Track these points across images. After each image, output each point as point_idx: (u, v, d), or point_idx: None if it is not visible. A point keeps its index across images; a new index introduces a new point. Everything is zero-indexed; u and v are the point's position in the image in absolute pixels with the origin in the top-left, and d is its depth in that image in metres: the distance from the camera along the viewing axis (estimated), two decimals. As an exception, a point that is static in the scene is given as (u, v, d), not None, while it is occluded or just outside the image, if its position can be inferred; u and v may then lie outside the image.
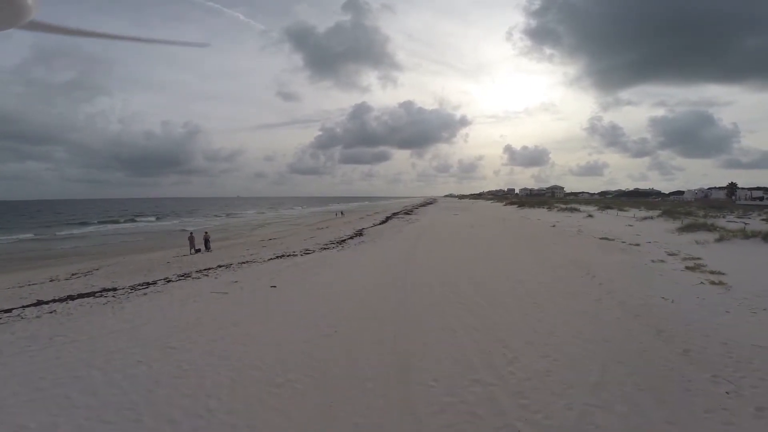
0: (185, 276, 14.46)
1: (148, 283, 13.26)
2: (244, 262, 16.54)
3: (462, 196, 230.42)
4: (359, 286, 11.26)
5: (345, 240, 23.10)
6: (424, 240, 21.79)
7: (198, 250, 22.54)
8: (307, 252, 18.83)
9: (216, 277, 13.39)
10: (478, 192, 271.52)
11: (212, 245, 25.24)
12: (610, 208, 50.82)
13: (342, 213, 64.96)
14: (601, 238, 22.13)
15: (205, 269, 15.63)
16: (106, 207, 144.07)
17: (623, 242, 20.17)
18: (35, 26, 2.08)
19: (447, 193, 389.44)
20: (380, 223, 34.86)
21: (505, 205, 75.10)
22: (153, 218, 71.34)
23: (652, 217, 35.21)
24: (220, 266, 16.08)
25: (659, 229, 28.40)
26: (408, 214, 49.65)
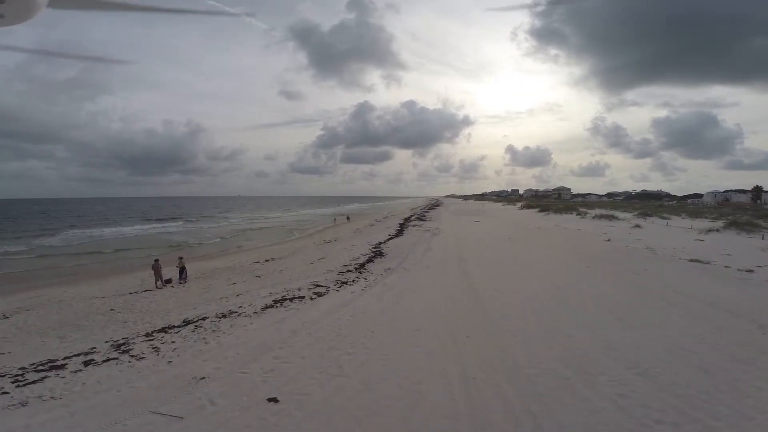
0: (121, 347, 9.14)
1: (46, 368, 7.88)
2: (224, 315, 11.17)
3: (466, 197, 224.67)
4: (428, 409, 5.85)
5: (364, 265, 17.74)
6: (470, 265, 16.45)
7: (168, 281, 17.14)
8: (317, 290, 13.49)
9: (170, 361, 7.99)
10: (480, 192, 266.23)
11: (190, 269, 19.91)
12: (648, 215, 45.70)
13: (348, 218, 59.67)
14: (690, 260, 17.22)
15: (160, 329, 10.29)
16: (107, 206, 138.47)
17: (726, 267, 15.37)
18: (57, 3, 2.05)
19: (448, 194, 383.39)
20: (396, 235, 29.50)
21: (520, 208, 69.80)
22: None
23: (717, 230, 30.17)
24: (186, 323, 10.73)
25: (744, 246, 23.27)
26: (422, 220, 44.26)
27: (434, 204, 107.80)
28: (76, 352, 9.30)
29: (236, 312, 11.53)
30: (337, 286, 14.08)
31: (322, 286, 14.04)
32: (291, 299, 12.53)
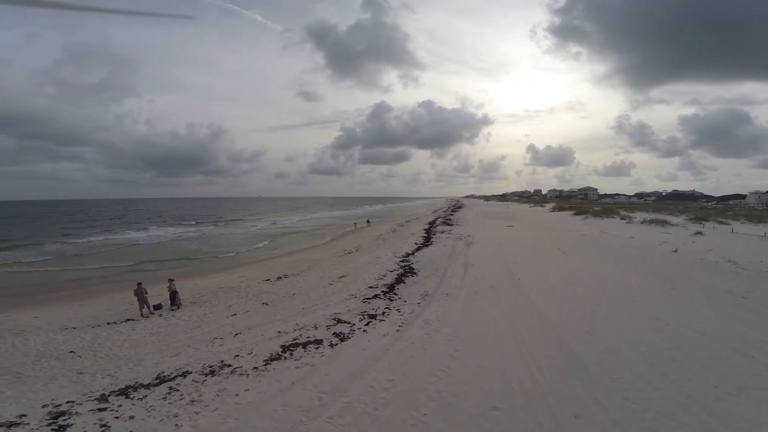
0: (58, 419, 6.38)
1: None
2: (212, 372, 8.11)
3: (486, 198, 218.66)
4: None
5: (394, 287, 14.51)
6: (528, 288, 13.01)
7: (158, 307, 14.25)
8: (338, 329, 10.32)
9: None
10: (501, 193, 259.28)
11: (191, 286, 17.15)
12: (703, 219, 40.94)
13: (369, 221, 56.53)
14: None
15: (122, 389, 7.32)
16: (131, 208, 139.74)
17: None
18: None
19: (468, 194, 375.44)
20: (425, 243, 26.15)
21: (552, 210, 65.21)
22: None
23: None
24: (159, 380, 7.74)
25: None
26: (448, 224, 40.68)
27: (456, 205, 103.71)
28: None
29: (230, 365, 8.45)
30: (364, 322, 10.85)
31: (345, 323, 10.84)
32: (305, 344, 9.39)
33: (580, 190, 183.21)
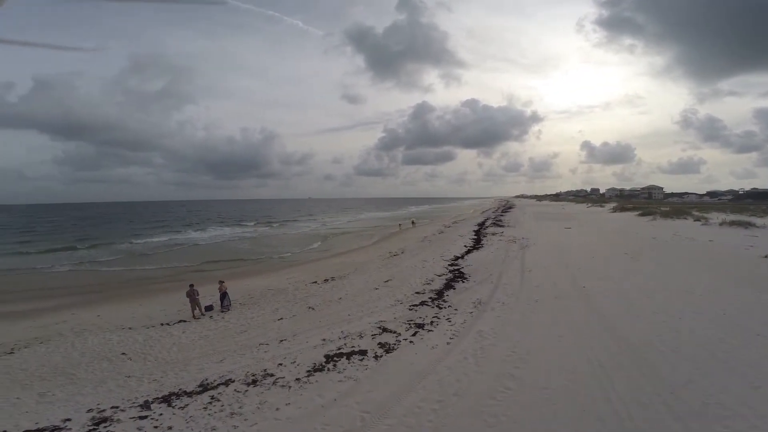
0: (100, 425, 6.40)
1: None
2: (254, 381, 7.79)
3: (539, 197, 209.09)
4: None
5: (442, 293, 13.66)
6: (599, 300, 11.61)
7: (209, 308, 14.49)
8: (384, 338, 9.71)
9: None
10: (554, 192, 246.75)
11: (242, 286, 17.41)
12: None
13: (413, 223, 55.71)
14: None
15: (165, 396, 7.16)
16: (193, 209, 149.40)
17: None
18: None
19: (518, 194, 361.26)
20: (474, 246, 24.90)
21: (613, 210, 60.35)
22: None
23: None
24: (202, 388, 7.53)
25: None
26: (499, 225, 38.81)
27: (506, 206, 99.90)
28: (41, 426, 6.52)
29: (272, 375, 8.12)
30: (411, 332, 10.14)
31: (391, 332, 10.20)
32: (349, 355, 8.87)
33: (643, 189, 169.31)
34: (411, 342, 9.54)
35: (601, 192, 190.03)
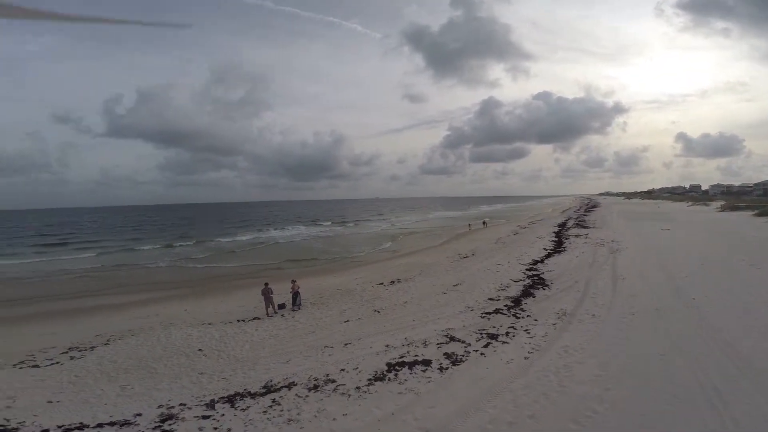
0: (165, 422, 6.65)
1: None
2: (316, 386, 7.55)
3: (628, 195, 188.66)
4: None
5: (520, 300, 12.40)
6: (713, 319, 9.60)
7: (282, 307, 14.89)
8: (450, 348, 8.96)
9: None
10: (646, 189, 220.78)
11: (313, 285, 17.73)
12: None
13: (485, 223, 53.27)
14: None
15: (230, 396, 7.19)
16: (274, 209, 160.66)
17: None
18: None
19: (602, 191, 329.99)
20: (556, 249, 22.76)
21: (721, 210, 49.81)
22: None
23: None
24: (266, 389, 7.47)
25: None
26: (583, 226, 35.31)
27: (590, 204, 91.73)
28: (114, 419, 6.88)
29: (334, 381, 7.83)
30: (482, 343, 9.25)
31: (459, 341, 9.40)
32: (411, 364, 8.28)
33: (756, 184, 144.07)
34: (482, 354, 8.68)
35: (703, 188, 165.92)
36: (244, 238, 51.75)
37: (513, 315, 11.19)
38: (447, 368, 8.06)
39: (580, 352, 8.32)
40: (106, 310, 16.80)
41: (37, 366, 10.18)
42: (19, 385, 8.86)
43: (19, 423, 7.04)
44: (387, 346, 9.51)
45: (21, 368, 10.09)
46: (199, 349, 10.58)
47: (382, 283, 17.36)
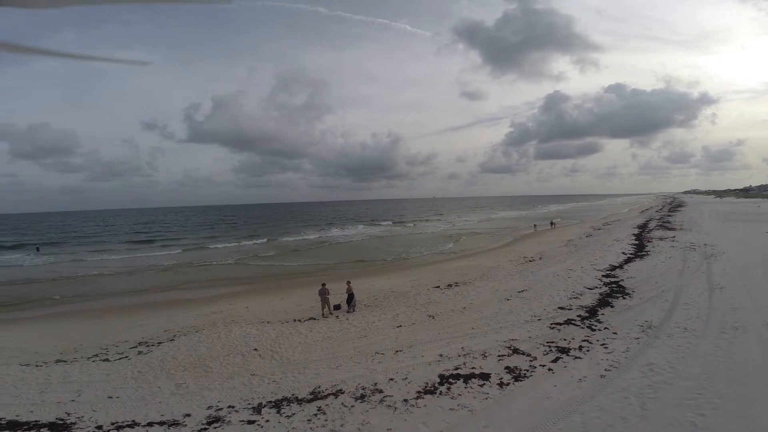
0: (212, 424, 6.65)
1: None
2: (363, 395, 7.12)
3: (719, 193, 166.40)
4: None
5: (596, 311, 10.98)
6: None
7: (338, 308, 14.74)
8: (513, 361, 8.08)
9: None
10: (741, 187, 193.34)
11: (368, 285, 17.51)
12: None
13: (553, 224, 49.76)
14: None
15: (277, 401, 7.03)
16: (338, 209, 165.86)
17: None
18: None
19: (687, 189, 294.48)
20: (637, 253, 20.25)
21: None
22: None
23: None
24: (313, 396, 7.19)
25: None
26: (668, 228, 31.36)
27: (674, 204, 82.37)
28: (164, 418, 6.97)
29: (381, 391, 7.35)
30: (550, 357, 8.22)
31: (523, 354, 8.44)
32: (467, 377, 7.55)
33: None
34: (549, 370, 7.70)
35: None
36: (306, 237, 53.59)
37: (587, 327, 9.91)
38: (508, 384, 7.21)
39: (668, 371, 7.08)
40: (176, 305, 17.91)
41: (107, 360, 10.81)
42: (86, 379, 9.42)
43: (78, 418, 7.39)
44: (441, 355, 8.82)
45: (93, 361, 10.77)
46: (255, 349, 10.62)
47: (438, 287, 16.55)
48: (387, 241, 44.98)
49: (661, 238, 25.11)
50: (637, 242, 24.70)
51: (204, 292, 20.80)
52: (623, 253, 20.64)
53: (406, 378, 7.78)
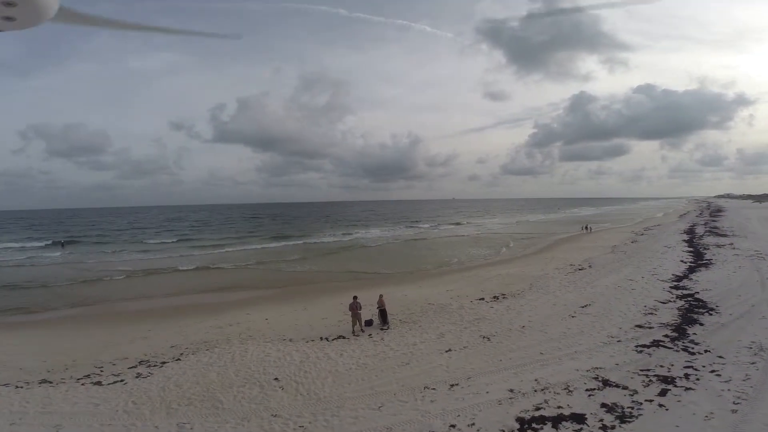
0: None
1: None
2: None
3: (756, 197, 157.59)
4: None
5: (682, 329, 9.27)
6: None
7: (369, 324, 13.21)
8: (609, 396, 6.37)
9: None
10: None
11: (399, 296, 16.18)
12: None
13: (588, 228, 47.18)
14: None
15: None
16: (357, 209, 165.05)
17: None
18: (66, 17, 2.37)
19: (720, 193, 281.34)
20: (697, 261, 18.27)
21: None
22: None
23: None
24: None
25: None
26: (718, 234, 28.89)
27: (711, 208, 78.14)
28: None
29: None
30: (654, 389, 6.64)
31: (618, 386, 6.88)
32: (555, 420, 6.06)
33: None
34: (661, 406, 6.15)
35: None
36: (330, 239, 52.40)
37: (683, 350, 8.25)
38: (613, 427, 5.71)
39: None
40: (189, 312, 16.66)
41: (99, 383, 9.41)
42: (69, 409, 8.07)
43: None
44: (511, 390, 7.24)
45: (83, 384, 9.41)
46: (276, 378, 9.07)
47: (482, 299, 14.90)
48: (415, 245, 43.24)
49: (717, 245, 22.88)
50: (691, 249, 22.51)
51: (221, 297, 19.62)
52: (682, 261, 18.61)
53: (473, 424, 6.23)
